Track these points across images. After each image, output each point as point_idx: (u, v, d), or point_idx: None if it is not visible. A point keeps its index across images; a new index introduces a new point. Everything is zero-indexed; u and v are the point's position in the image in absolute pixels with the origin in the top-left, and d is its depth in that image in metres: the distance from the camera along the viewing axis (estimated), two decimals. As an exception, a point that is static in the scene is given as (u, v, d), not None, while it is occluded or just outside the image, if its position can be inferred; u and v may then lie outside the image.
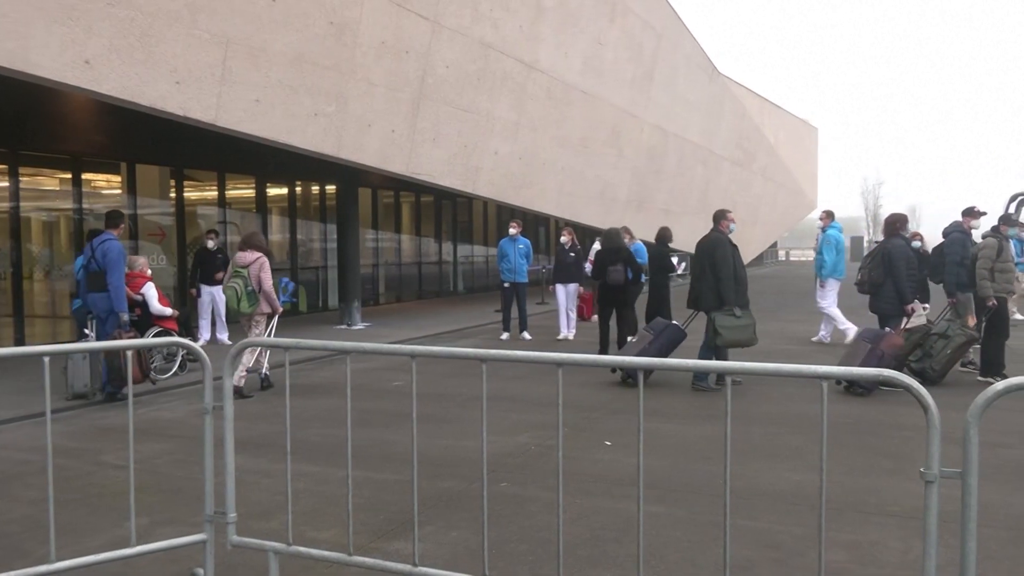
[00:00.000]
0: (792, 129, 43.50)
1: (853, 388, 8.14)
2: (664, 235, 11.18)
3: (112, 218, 8.36)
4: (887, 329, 8.53)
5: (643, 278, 11.03)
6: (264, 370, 8.70)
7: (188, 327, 11.15)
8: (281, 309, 8.82)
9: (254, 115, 10.02)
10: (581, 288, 13.85)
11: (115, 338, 7.74)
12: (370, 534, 4.34)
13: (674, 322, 9.22)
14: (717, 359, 8.40)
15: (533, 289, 16.24)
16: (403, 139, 12.56)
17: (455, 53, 13.22)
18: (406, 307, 18.93)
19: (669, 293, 10.95)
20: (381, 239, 19.64)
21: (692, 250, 9.47)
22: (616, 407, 7.65)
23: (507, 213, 22.42)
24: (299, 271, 16.66)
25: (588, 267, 12.85)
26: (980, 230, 9.91)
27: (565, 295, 13.01)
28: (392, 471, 5.52)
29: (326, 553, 3.56)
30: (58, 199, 12.65)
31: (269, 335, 8.67)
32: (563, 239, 13.25)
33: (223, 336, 12.20)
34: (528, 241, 13.26)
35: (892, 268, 8.53)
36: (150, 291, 9.01)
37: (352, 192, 15.07)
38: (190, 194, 14.64)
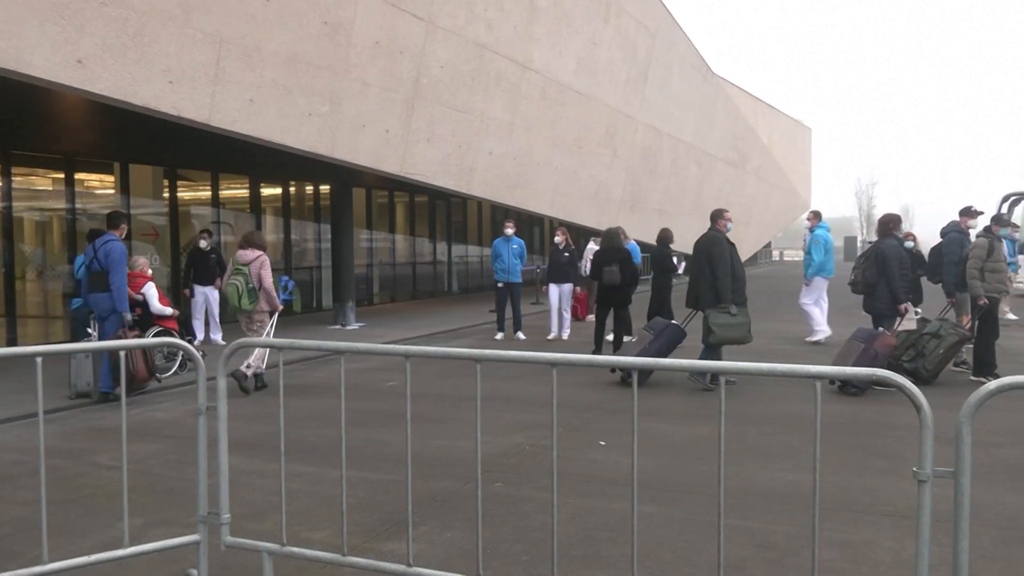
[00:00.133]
0: (786, 130, 43.65)
1: (847, 388, 8.16)
2: (665, 236, 11.44)
3: (114, 219, 8.41)
4: (880, 329, 8.56)
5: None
6: (257, 369, 8.69)
7: (189, 327, 11.16)
8: (281, 307, 8.96)
9: (248, 115, 10.00)
10: (576, 288, 13.88)
11: (119, 338, 7.80)
12: (364, 534, 4.33)
13: (674, 322, 9.25)
14: (710, 357, 8.42)
15: (527, 289, 16.24)
16: (397, 139, 12.55)
17: (449, 53, 13.22)
18: (400, 307, 18.90)
19: (670, 294, 11.01)
20: (375, 239, 19.61)
21: (688, 250, 9.50)
22: (611, 407, 7.65)
23: (501, 213, 22.44)
24: (293, 271, 16.61)
25: (587, 267, 12.88)
26: (977, 230, 9.97)
27: (558, 295, 13.02)
28: (386, 471, 5.52)
29: (320, 554, 3.56)
30: (51, 199, 12.59)
31: (269, 334, 8.71)
32: (557, 239, 13.27)
33: (216, 336, 12.18)
34: (522, 241, 13.26)
35: (885, 268, 8.55)
36: (151, 291, 9.06)
37: (346, 192, 15.06)
38: (183, 194, 14.59)
